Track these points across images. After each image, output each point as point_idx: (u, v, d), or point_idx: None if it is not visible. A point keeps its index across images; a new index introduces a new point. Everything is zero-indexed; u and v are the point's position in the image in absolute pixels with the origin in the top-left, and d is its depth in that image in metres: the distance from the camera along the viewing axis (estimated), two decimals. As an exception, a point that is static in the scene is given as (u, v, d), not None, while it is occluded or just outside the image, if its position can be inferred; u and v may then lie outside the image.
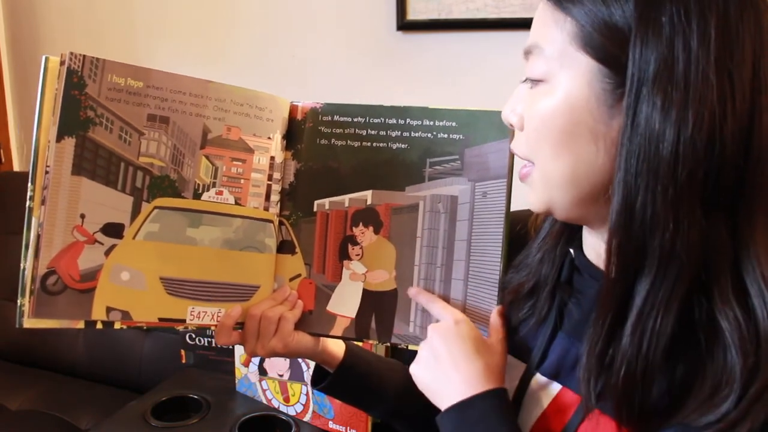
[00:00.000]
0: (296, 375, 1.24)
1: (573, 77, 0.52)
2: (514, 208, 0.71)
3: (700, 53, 0.47)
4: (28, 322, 0.64)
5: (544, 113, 0.54)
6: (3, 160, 1.95)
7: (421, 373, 0.64)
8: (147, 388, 1.40)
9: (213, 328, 0.73)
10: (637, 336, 0.50)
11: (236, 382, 1.36)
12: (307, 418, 1.24)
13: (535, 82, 0.56)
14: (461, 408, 0.59)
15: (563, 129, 0.53)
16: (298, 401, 1.25)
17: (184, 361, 1.45)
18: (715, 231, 0.49)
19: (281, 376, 1.26)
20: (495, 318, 0.68)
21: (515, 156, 0.61)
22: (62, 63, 0.64)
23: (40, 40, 1.86)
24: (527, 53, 0.57)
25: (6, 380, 1.56)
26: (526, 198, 0.61)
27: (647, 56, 0.48)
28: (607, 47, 0.50)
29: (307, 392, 1.23)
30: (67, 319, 0.66)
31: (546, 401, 0.61)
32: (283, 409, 1.27)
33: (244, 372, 1.33)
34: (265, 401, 1.30)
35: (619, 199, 0.50)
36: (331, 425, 1.20)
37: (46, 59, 0.64)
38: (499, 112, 0.68)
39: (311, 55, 1.61)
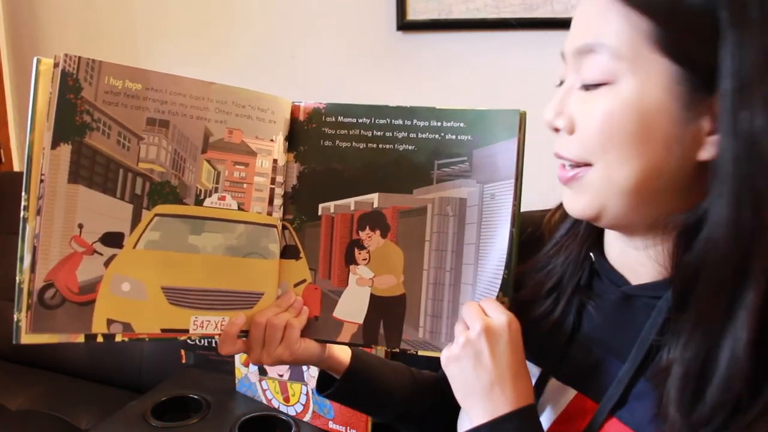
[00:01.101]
0: (296, 375, 1.24)
1: (646, 80, 0.49)
2: (523, 208, 0.69)
3: None
4: (26, 338, 0.61)
5: (610, 116, 0.51)
6: (3, 160, 1.95)
7: (456, 369, 0.60)
8: (147, 388, 1.40)
9: (216, 337, 0.71)
10: (737, 348, 0.47)
11: (236, 382, 1.36)
12: (307, 418, 1.24)
13: (595, 84, 0.52)
14: (493, 427, 0.57)
15: (636, 133, 0.50)
16: (298, 401, 1.25)
17: (184, 361, 1.45)
18: None
19: (281, 376, 1.26)
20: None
21: (562, 159, 0.57)
22: (56, 65, 0.61)
23: (40, 40, 1.86)
24: (584, 52, 0.52)
25: (6, 380, 1.56)
26: (569, 203, 0.58)
27: (742, 56, 0.46)
28: (689, 49, 0.48)
29: (307, 392, 1.23)
30: (66, 333, 0.63)
31: (561, 406, 0.61)
32: (283, 409, 1.27)
33: (244, 372, 1.33)
34: (265, 401, 1.30)
35: (724, 208, 0.47)
36: (331, 425, 1.20)
37: (38, 61, 0.61)
38: (507, 111, 0.67)
39: (311, 55, 1.61)
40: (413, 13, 1.47)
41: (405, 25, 1.49)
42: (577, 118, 0.54)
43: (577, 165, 0.55)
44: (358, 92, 1.56)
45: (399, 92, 1.53)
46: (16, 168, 1.98)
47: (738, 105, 0.46)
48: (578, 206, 0.57)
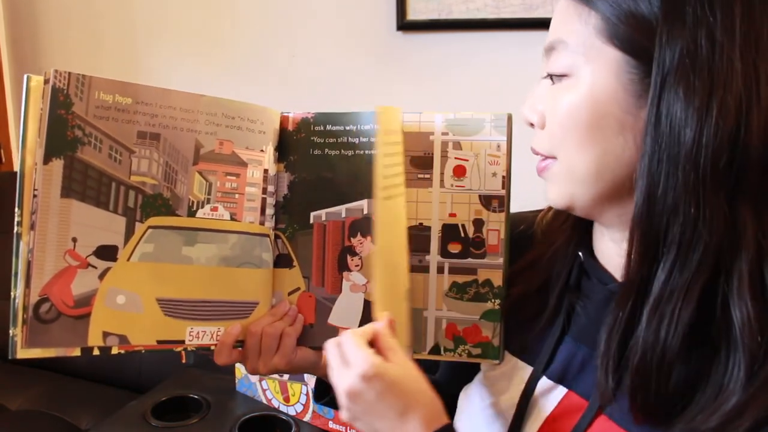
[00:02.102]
0: (296, 375, 1.24)
1: (599, 70, 0.52)
2: (518, 208, 0.71)
3: (724, 42, 0.47)
4: (22, 353, 0.62)
5: (569, 107, 0.54)
6: (3, 160, 1.95)
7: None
8: (147, 388, 1.40)
9: (213, 347, 0.71)
10: (654, 322, 0.50)
11: (236, 382, 1.36)
12: (307, 418, 1.24)
13: (559, 77, 0.55)
14: None
15: (589, 122, 0.53)
16: (298, 401, 1.25)
17: (184, 361, 1.45)
18: (739, 220, 0.48)
19: (281, 376, 1.26)
20: (385, 336, 0.60)
21: (536, 154, 0.60)
22: (46, 81, 0.61)
23: (40, 40, 1.86)
24: (549, 50, 0.56)
25: (6, 380, 1.56)
26: (546, 193, 0.60)
27: (672, 46, 0.48)
28: (634, 38, 0.50)
29: (307, 392, 1.23)
30: (62, 347, 0.63)
31: (552, 405, 0.61)
32: (283, 409, 1.27)
33: (244, 372, 1.33)
34: (265, 401, 1.31)
35: (642, 186, 0.50)
36: (331, 425, 1.21)
37: (28, 78, 0.62)
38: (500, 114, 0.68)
39: (311, 55, 1.61)
40: (413, 13, 1.47)
41: (405, 25, 1.49)
42: (546, 113, 0.58)
43: (549, 157, 0.58)
44: (358, 92, 1.56)
45: (399, 92, 1.53)
46: (17, 168, 1.98)
47: (661, 94, 0.49)
48: (551, 196, 0.59)
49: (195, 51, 1.71)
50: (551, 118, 0.56)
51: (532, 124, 0.59)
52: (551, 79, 0.57)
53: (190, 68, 1.71)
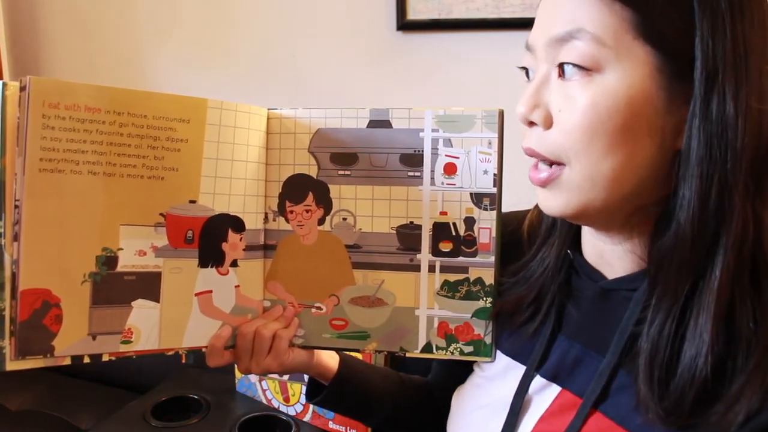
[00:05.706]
0: (296, 375, 1.24)
1: (632, 68, 0.49)
2: (509, 206, 0.70)
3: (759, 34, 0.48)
4: (11, 365, 0.61)
5: (597, 108, 0.49)
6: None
7: None
8: (147, 388, 1.40)
9: (204, 350, 0.71)
10: (709, 324, 0.49)
11: (236, 382, 1.36)
12: (307, 418, 1.24)
13: (579, 70, 0.50)
14: None
15: (623, 125, 0.49)
16: (298, 401, 1.25)
17: (184, 361, 1.45)
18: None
19: (281, 376, 1.26)
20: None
21: (535, 156, 0.55)
22: (23, 89, 0.58)
23: (41, 41, 1.86)
24: (562, 40, 0.51)
25: (6, 380, 1.56)
26: (545, 202, 0.56)
27: (714, 44, 0.47)
28: (670, 37, 0.48)
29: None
30: (52, 357, 0.63)
31: (546, 403, 0.60)
32: (283, 409, 1.27)
33: (244, 372, 1.33)
34: (265, 401, 1.30)
35: (690, 190, 0.49)
36: (331, 425, 1.21)
37: (4, 85, 0.59)
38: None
39: (311, 55, 1.60)
40: (413, 13, 1.47)
41: (405, 25, 1.49)
42: (555, 111, 0.53)
43: (552, 163, 0.54)
44: (358, 92, 1.56)
45: (399, 92, 1.53)
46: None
47: (708, 92, 0.48)
48: (557, 205, 0.55)
49: (195, 52, 1.71)
50: (565, 117, 0.52)
51: (531, 123, 0.55)
52: (561, 72, 0.52)
53: (190, 69, 1.70)
